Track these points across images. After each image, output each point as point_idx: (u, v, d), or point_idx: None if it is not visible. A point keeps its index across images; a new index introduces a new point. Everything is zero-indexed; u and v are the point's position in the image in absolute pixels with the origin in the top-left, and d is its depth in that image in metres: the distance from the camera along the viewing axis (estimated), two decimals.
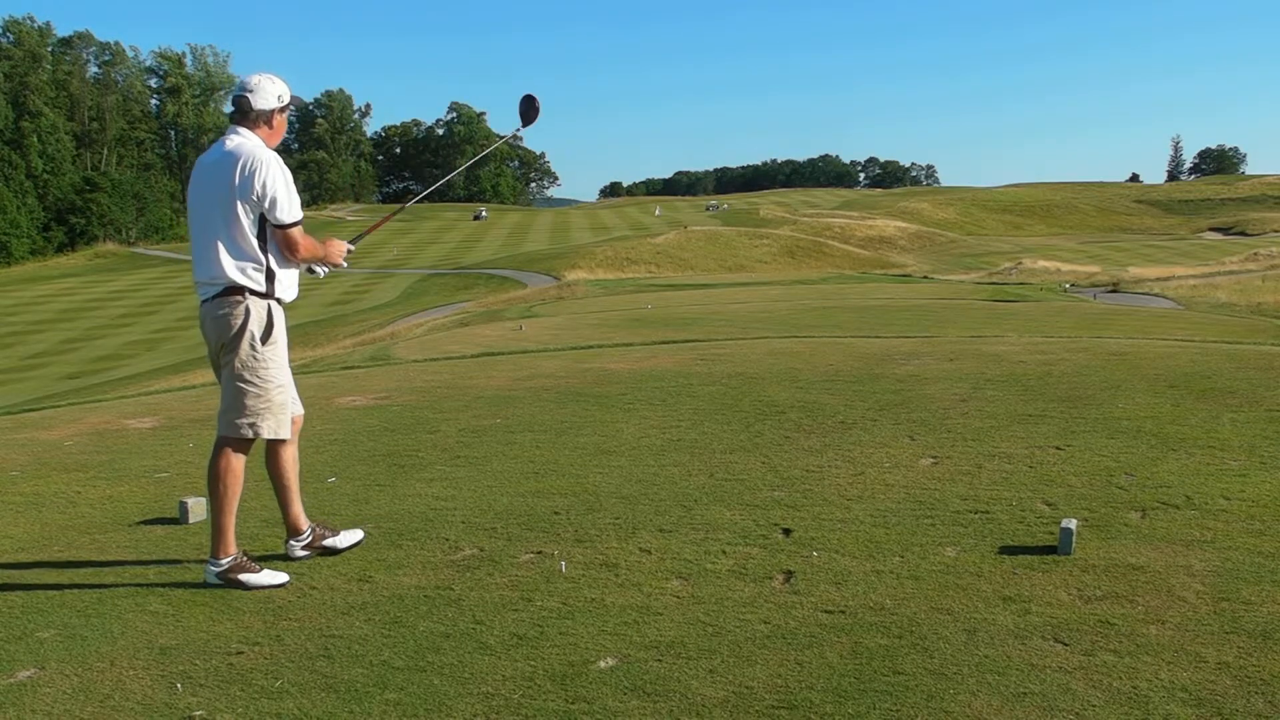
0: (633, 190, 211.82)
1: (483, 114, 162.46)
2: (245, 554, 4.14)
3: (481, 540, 4.49)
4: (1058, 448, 5.63)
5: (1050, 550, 4.03)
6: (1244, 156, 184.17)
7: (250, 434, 4.11)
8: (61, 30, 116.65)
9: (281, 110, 4.21)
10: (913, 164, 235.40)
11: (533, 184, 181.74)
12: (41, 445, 7.05)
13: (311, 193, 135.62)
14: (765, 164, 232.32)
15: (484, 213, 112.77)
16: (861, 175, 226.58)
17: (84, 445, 6.97)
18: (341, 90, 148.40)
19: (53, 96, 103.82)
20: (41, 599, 3.96)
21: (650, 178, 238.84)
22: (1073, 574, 3.77)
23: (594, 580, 3.95)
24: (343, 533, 4.46)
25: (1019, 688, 2.93)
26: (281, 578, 4.06)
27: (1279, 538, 4.07)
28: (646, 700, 2.94)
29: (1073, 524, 4.06)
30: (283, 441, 4.27)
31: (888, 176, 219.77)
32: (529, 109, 4.96)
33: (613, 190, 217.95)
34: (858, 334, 13.12)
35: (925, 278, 47.91)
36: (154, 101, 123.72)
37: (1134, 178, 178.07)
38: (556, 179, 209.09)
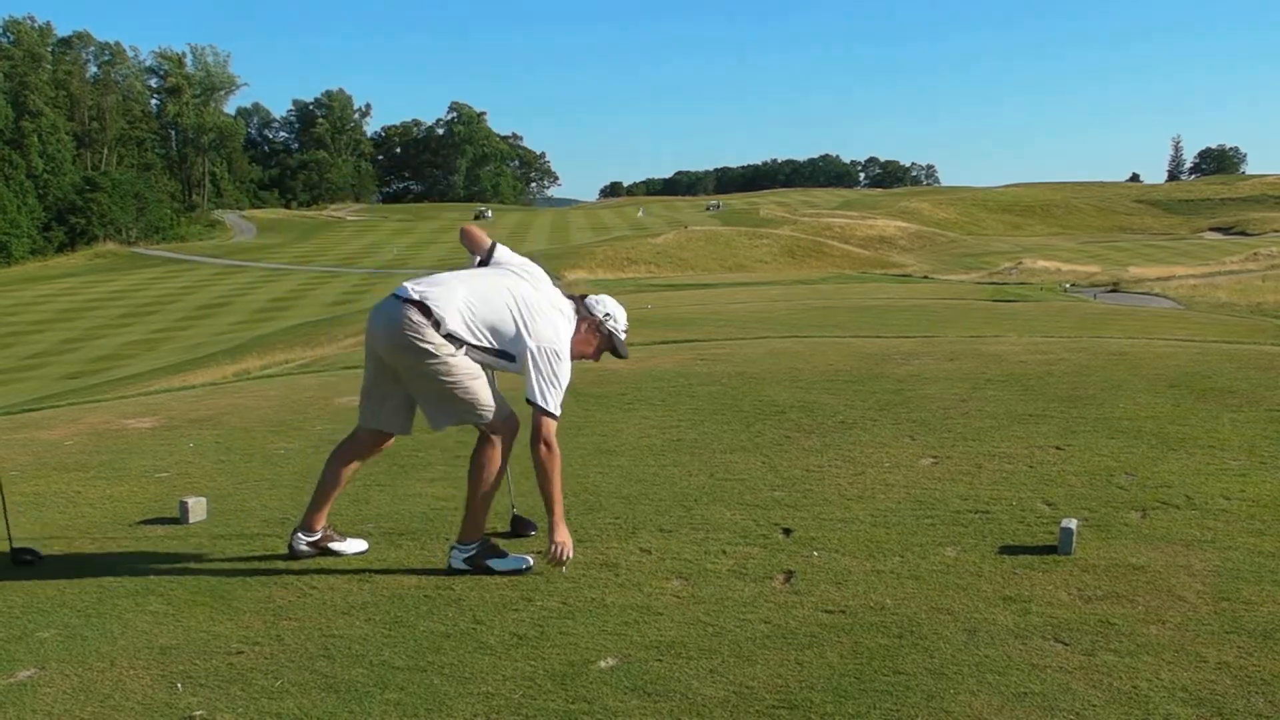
0: (633, 190, 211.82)
1: (483, 114, 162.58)
2: (490, 537, 4.15)
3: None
4: (1058, 448, 5.63)
5: (1050, 550, 4.03)
6: (1244, 156, 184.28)
7: (485, 426, 4.12)
8: (61, 30, 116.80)
9: (599, 328, 4.32)
10: (913, 164, 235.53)
11: (533, 184, 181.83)
12: (41, 445, 7.05)
13: (311, 193, 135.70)
14: (765, 164, 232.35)
15: (488, 213, 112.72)
16: (861, 175, 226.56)
17: (84, 445, 6.97)
18: (341, 90, 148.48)
19: (53, 96, 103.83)
20: (41, 599, 3.96)
21: (651, 177, 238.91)
22: (1073, 574, 3.77)
23: (594, 580, 3.95)
24: (349, 540, 4.43)
25: (1019, 688, 2.93)
26: (525, 560, 4.08)
27: (1278, 538, 4.07)
28: (647, 700, 2.94)
29: (1073, 524, 4.06)
30: (361, 446, 4.34)
31: (888, 176, 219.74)
32: None
33: (613, 190, 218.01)
34: (858, 334, 13.12)
35: (925, 278, 47.92)
36: (154, 101, 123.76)
37: (1134, 177, 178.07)
38: (557, 179, 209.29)
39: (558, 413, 4.04)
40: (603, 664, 3.19)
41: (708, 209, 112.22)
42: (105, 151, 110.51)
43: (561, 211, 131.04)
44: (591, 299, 4.37)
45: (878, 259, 68.95)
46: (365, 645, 3.40)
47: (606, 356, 4.40)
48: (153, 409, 8.61)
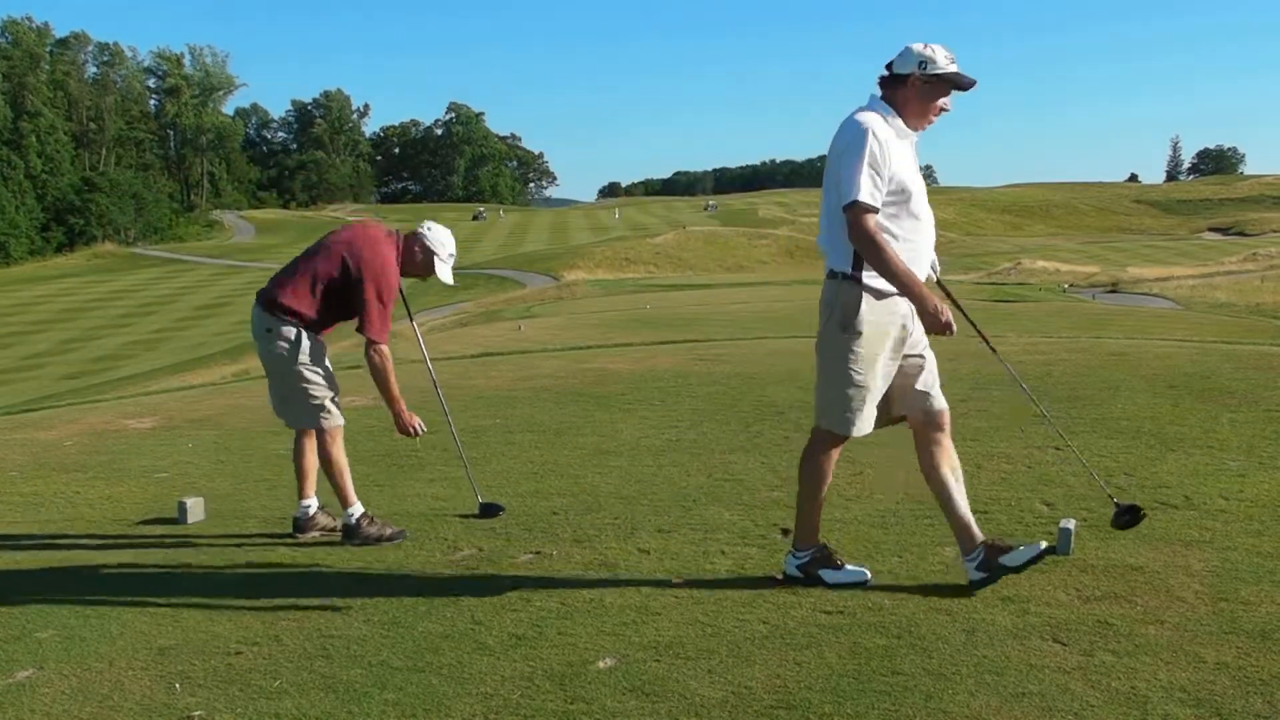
0: (631, 190, 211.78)
1: (481, 114, 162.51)
2: (826, 545, 3.90)
3: (481, 540, 4.49)
4: (1057, 448, 5.63)
5: (1049, 550, 4.02)
6: (1243, 157, 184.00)
7: (825, 425, 3.77)
8: (60, 30, 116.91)
9: (924, 80, 3.57)
10: None
11: (531, 184, 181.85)
12: (41, 445, 7.05)
13: (310, 193, 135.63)
14: (764, 164, 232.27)
15: (498, 212, 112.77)
16: None
17: (83, 445, 6.97)
18: (340, 90, 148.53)
19: (51, 97, 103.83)
20: (41, 599, 3.96)
21: (649, 178, 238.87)
22: (1071, 574, 3.77)
23: (592, 581, 3.95)
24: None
25: (1018, 688, 2.93)
26: (863, 574, 3.81)
27: (1278, 538, 4.08)
28: (645, 700, 2.94)
29: (1071, 524, 4.07)
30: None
31: None
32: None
33: (611, 190, 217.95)
34: None
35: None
36: (153, 102, 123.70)
37: (1133, 178, 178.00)
38: (555, 179, 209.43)
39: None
40: (601, 664, 3.19)
41: (705, 209, 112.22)
42: (104, 152, 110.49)
43: (560, 212, 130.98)
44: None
45: None
46: (364, 646, 3.40)
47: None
48: (152, 409, 8.61)
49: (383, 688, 3.09)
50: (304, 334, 4.50)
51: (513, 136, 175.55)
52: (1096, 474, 4.44)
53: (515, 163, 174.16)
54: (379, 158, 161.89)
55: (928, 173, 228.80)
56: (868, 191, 3.48)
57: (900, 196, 3.58)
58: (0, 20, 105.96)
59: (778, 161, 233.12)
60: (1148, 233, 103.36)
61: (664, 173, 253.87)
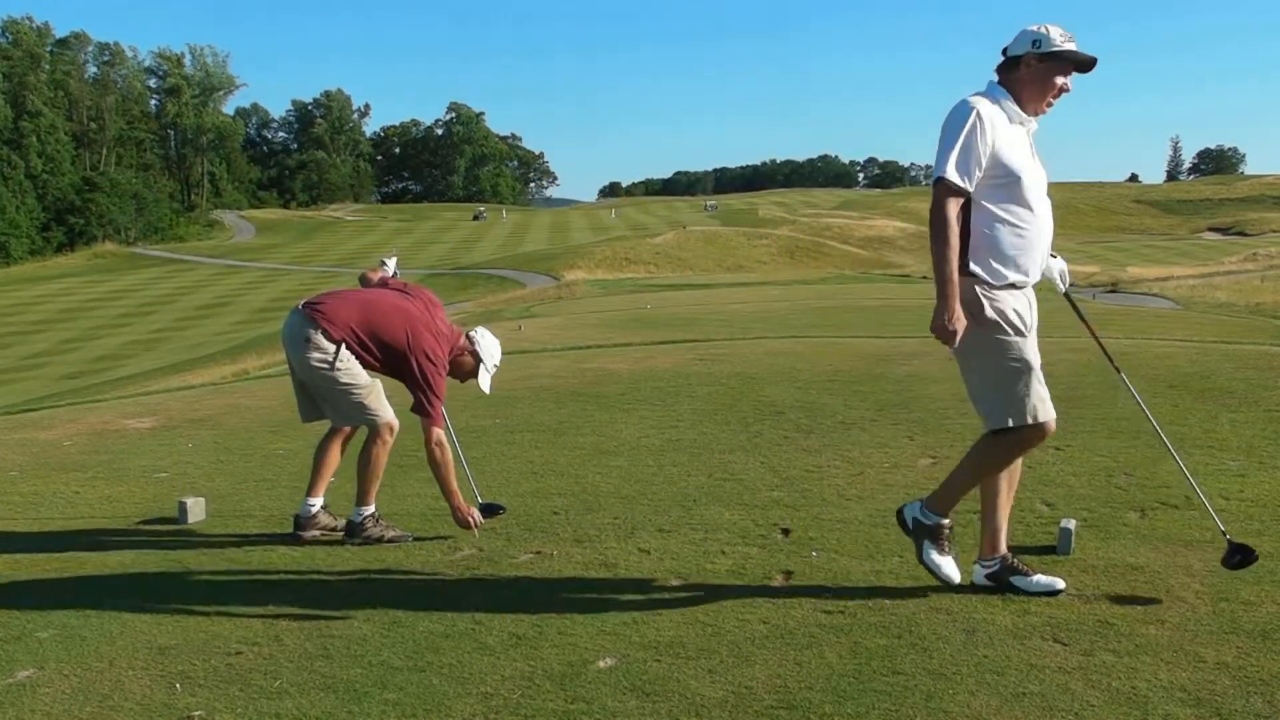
0: (632, 190, 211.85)
1: (481, 114, 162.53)
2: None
3: (481, 540, 4.49)
4: (1056, 448, 5.63)
5: (1049, 550, 4.03)
6: (1243, 157, 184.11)
7: (1007, 423, 3.54)
8: (60, 30, 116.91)
9: (1038, 59, 3.43)
10: (911, 164, 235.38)
11: (531, 184, 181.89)
12: (41, 445, 7.05)
13: (310, 193, 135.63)
14: (764, 164, 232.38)
15: (500, 213, 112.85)
16: (860, 175, 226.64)
17: (83, 445, 6.97)
18: (340, 90, 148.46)
19: (51, 96, 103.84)
20: (41, 599, 3.96)
21: (649, 177, 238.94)
22: (1071, 574, 3.77)
23: (593, 580, 3.95)
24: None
25: (1018, 688, 2.93)
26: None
27: (1278, 538, 4.08)
28: (645, 700, 2.94)
29: (1071, 524, 4.07)
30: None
31: (887, 176, 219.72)
32: None
33: (612, 190, 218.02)
34: (857, 334, 13.13)
35: (925, 278, 47.90)
36: (153, 102, 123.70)
37: (1133, 178, 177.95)
38: (555, 179, 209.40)
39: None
40: (601, 664, 3.19)
41: (705, 209, 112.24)
42: (104, 152, 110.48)
43: (560, 212, 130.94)
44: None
45: (877, 259, 68.94)
46: (364, 645, 3.40)
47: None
48: (152, 409, 8.61)
49: (383, 687, 3.09)
50: (342, 347, 4.48)
51: (513, 136, 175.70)
52: (1208, 501, 3.97)
53: (515, 163, 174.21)
54: (379, 158, 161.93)
55: (928, 172, 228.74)
56: (954, 170, 3.37)
57: (1008, 182, 3.45)
58: (0, 20, 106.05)
59: (778, 161, 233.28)
60: (1148, 232, 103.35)
61: (664, 173, 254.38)
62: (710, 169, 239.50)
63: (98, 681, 3.21)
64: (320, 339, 4.46)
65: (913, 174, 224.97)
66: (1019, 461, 3.76)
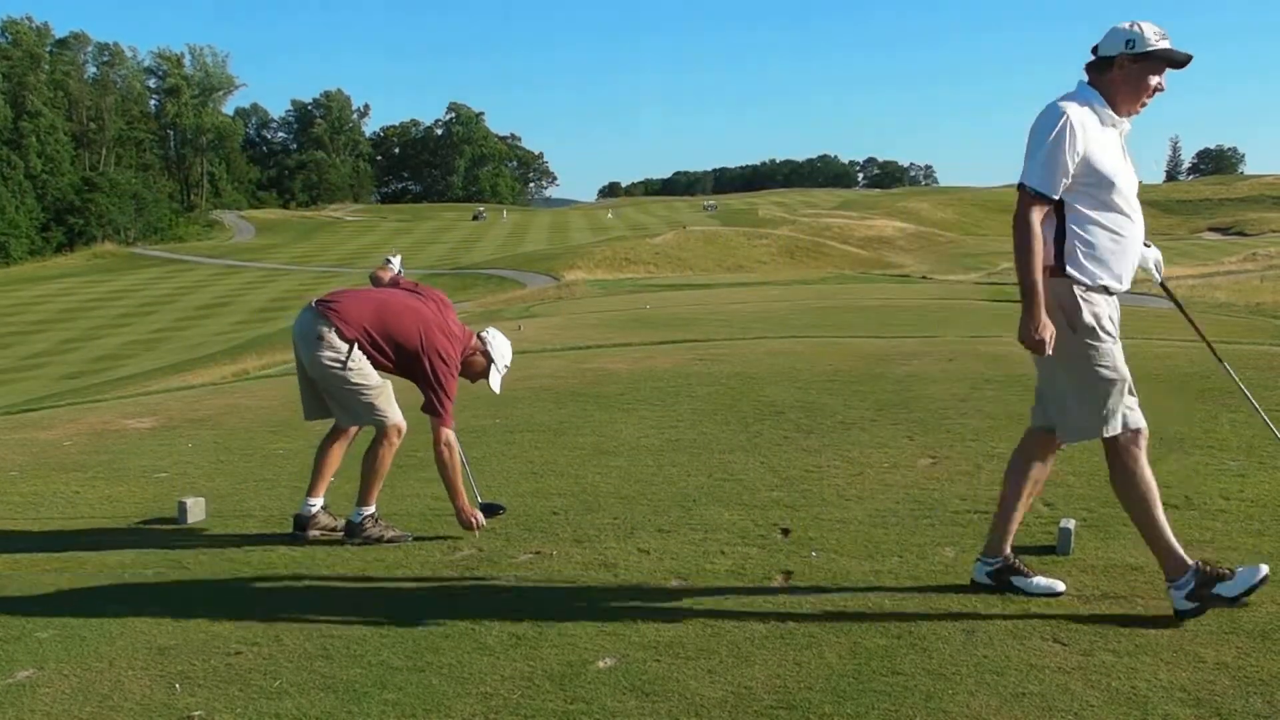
0: (631, 190, 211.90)
1: (481, 114, 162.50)
2: (1203, 562, 3.43)
3: (481, 540, 4.50)
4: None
5: (1049, 550, 4.03)
6: (1242, 157, 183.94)
7: (1110, 432, 3.43)
8: (60, 30, 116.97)
9: (1132, 59, 3.35)
10: (911, 164, 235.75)
11: (531, 184, 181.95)
12: (41, 445, 7.05)
13: (310, 193, 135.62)
14: (764, 164, 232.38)
15: (500, 213, 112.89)
16: (860, 175, 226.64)
17: (83, 445, 6.97)
18: (340, 90, 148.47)
19: (51, 97, 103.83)
20: (41, 599, 3.96)
21: (649, 177, 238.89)
22: (1071, 574, 3.77)
23: (592, 580, 3.95)
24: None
25: (1018, 688, 2.93)
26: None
27: (1278, 538, 4.08)
28: (645, 700, 2.94)
29: (1071, 524, 4.07)
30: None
31: (886, 176, 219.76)
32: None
33: (611, 190, 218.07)
34: (857, 334, 13.12)
35: (924, 278, 47.89)
36: (153, 102, 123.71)
37: None
38: (555, 179, 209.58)
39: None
40: (601, 664, 3.19)
41: (704, 209, 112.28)
42: (104, 152, 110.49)
43: (560, 212, 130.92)
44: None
45: (877, 259, 68.95)
46: (364, 645, 3.40)
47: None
48: (152, 409, 8.61)
49: (383, 687, 3.09)
50: (355, 346, 4.49)
51: (512, 136, 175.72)
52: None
53: (515, 163, 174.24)
54: (379, 158, 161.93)
55: (927, 172, 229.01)
56: (1040, 177, 3.31)
57: (1102, 186, 3.37)
58: (0, 20, 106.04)
59: (778, 161, 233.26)
60: (1147, 232, 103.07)
61: (664, 173, 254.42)
62: (710, 169, 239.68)
63: (98, 681, 3.21)
64: (333, 337, 4.46)
65: (912, 174, 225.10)
66: (1045, 470, 3.73)
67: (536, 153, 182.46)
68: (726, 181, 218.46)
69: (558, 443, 6.38)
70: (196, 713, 2.98)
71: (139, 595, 3.97)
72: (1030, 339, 3.33)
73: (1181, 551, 3.42)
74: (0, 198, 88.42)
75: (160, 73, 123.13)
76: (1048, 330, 3.32)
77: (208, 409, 8.36)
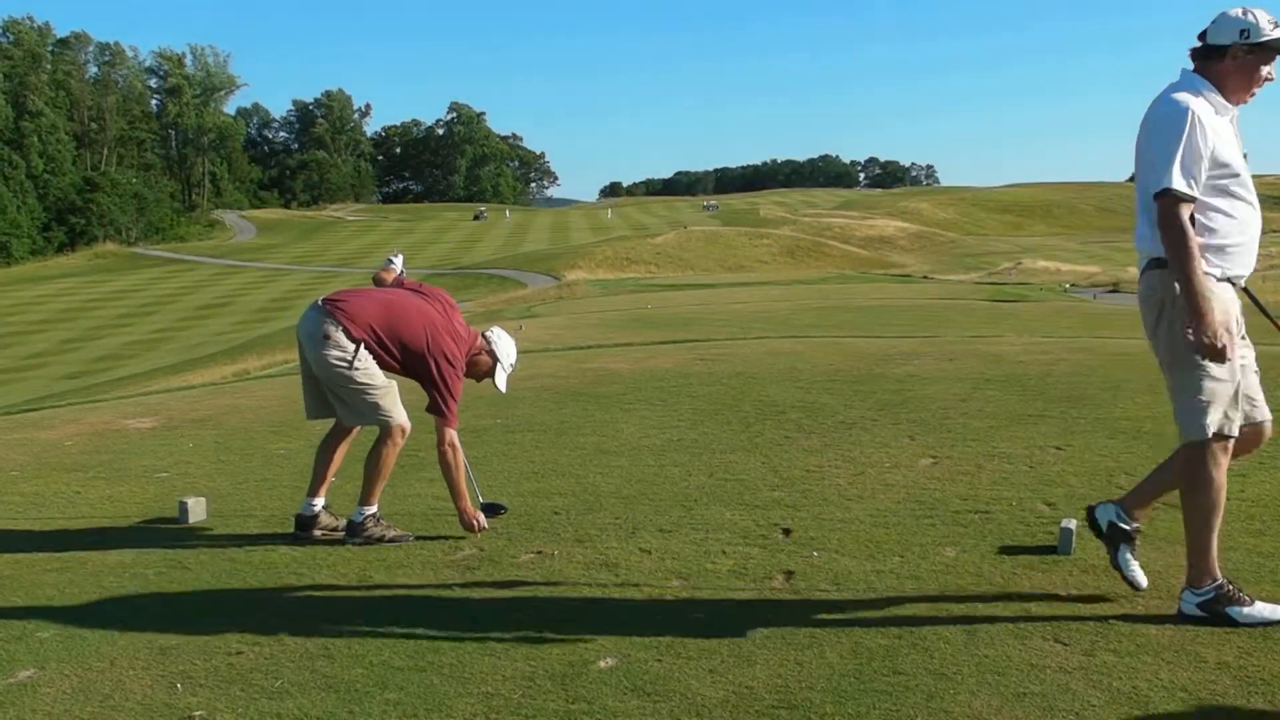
0: (633, 190, 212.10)
1: (482, 114, 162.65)
2: (1229, 581, 3.36)
3: (481, 540, 4.50)
4: (1058, 448, 5.63)
5: (1050, 550, 4.03)
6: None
7: (1204, 433, 3.27)
8: (61, 30, 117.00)
9: (1246, 49, 3.24)
10: (912, 164, 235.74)
11: (532, 184, 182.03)
12: (41, 445, 7.05)
13: (311, 193, 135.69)
14: (765, 164, 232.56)
15: (503, 213, 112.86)
16: (861, 175, 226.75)
17: (84, 445, 6.97)
18: (341, 90, 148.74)
19: (52, 96, 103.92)
20: (41, 599, 3.96)
21: (650, 177, 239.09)
22: (1073, 574, 3.77)
23: (594, 580, 3.95)
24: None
25: (1019, 688, 2.93)
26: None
27: (1278, 538, 4.07)
28: (646, 700, 2.94)
29: (1073, 524, 4.06)
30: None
31: (887, 176, 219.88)
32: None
33: (612, 190, 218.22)
34: (858, 334, 13.12)
35: (925, 278, 47.88)
36: (154, 102, 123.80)
37: (1135, 178, 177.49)
38: (556, 179, 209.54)
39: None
40: (602, 664, 3.19)
41: (705, 208, 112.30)
42: (105, 152, 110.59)
43: (561, 212, 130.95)
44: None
45: (878, 259, 68.93)
46: (365, 645, 3.41)
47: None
48: (152, 409, 8.61)
49: (384, 687, 3.09)
50: (361, 346, 4.49)
51: (514, 136, 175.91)
52: None
53: (516, 163, 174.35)
54: (380, 157, 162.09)
55: (928, 172, 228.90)
56: (1181, 179, 3.16)
57: (1227, 178, 3.27)
58: (1, 20, 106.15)
59: (779, 161, 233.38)
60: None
61: (665, 173, 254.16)
62: (711, 169, 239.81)
63: (99, 681, 3.21)
64: (340, 337, 4.45)
65: (913, 174, 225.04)
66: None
67: (538, 152, 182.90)
68: (728, 181, 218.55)
69: (559, 442, 6.38)
70: (198, 712, 2.98)
71: (140, 595, 3.97)
72: (1208, 347, 3.13)
73: (1216, 564, 3.34)
74: (2, 197, 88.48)
75: (162, 72, 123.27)
76: (1223, 336, 3.14)
77: (209, 409, 8.36)
